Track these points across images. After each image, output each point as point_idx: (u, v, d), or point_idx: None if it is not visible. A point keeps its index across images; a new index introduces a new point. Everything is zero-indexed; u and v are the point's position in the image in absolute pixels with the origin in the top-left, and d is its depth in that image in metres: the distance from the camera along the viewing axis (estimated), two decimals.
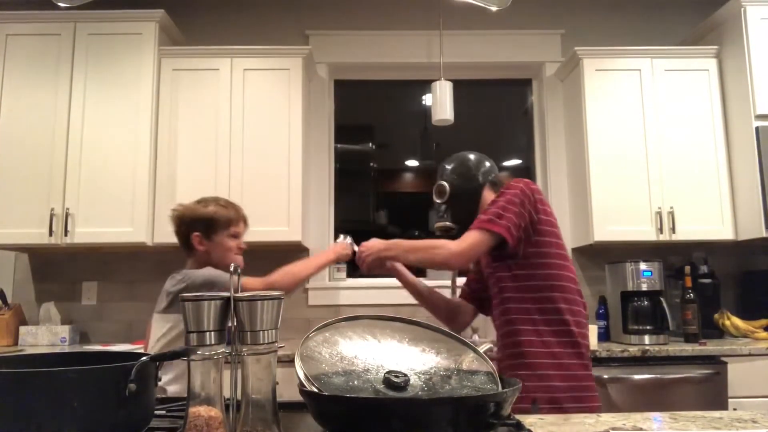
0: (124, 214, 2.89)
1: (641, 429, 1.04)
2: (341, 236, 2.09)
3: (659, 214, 2.97)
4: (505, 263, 1.68)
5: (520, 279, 1.66)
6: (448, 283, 3.24)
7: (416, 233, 3.65)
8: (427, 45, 3.47)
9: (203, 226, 1.93)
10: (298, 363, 0.95)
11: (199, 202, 1.99)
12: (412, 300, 3.28)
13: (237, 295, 0.87)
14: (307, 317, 3.26)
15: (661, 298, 2.75)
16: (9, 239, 2.87)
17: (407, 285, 1.96)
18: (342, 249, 2.01)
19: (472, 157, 1.87)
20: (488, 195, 1.81)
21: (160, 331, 1.84)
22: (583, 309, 1.69)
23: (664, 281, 2.89)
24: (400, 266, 1.91)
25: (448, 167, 1.86)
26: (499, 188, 1.81)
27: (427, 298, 1.99)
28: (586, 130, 3.05)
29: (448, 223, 1.82)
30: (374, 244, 1.77)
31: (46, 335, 2.98)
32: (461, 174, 1.83)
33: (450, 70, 3.42)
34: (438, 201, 1.85)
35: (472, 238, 1.60)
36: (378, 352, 1.05)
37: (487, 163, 1.86)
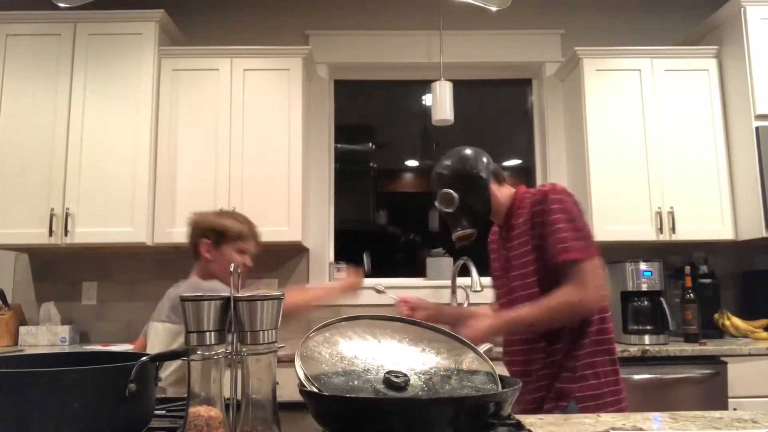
0: (124, 214, 2.89)
1: (641, 429, 1.04)
2: (365, 258, 2.11)
3: (659, 214, 2.97)
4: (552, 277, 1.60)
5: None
6: (448, 283, 3.24)
7: (411, 236, 3.65)
8: (427, 45, 3.47)
9: (214, 235, 1.94)
10: (298, 363, 0.95)
11: (216, 213, 2.02)
12: None
13: (237, 295, 0.87)
14: (307, 317, 3.26)
15: (661, 298, 2.75)
16: (9, 239, 2.87)
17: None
18: (349, 282, 2.03)
19: (467, 154, 1.75)
20: (495, 188, 1.74)
21: (171, 340, 1.82)
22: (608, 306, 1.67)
23: (664, 281, 2.89)
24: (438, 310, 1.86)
25: (448, 172, 1.74)
26: (501, 178, 1.77)
27: None
28: (586, 130, 3.05)
29: (467, 230, 1.72)
30: (480, 325, 1.56)
31: (46, 335, 2.99)
32: (464, 176, 1.72)
33: (450, 70, 3.42)
34: (448, 210, 1.73)
35: (589, 271, 1.52)
36: (378, 352, 1.05)
37: (484, 158, 1.76)
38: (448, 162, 1.76)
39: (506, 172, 3.73)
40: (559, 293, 1.53)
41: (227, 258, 1.94)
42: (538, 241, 1.61)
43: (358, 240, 3.56)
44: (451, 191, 1.72)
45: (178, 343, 1.79)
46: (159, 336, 1.85)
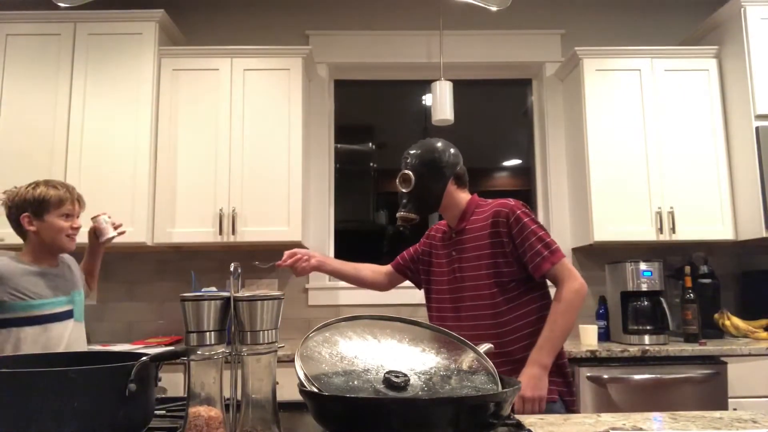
0: (124, 214, 2.88)
1: (641, 429, 1.04)
2: None
3: (659, 214, 2.97)
4: (513, 283, 1.72)
5: (525, 292, 1.73)
6: None
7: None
8: (427, 45, 3.47)
9: (32, 207, 1.93)
10: (298, 363, 0.95)
11: (29, 185, 1.98)
12: (412, 300, 3.28)
13: (237, 295, 0.87)
14: (307, 317, 3.26)
15: (661, 298, 2.75)
16: (9, 239, 2.86)
17: (333, 273, 2.01)
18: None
19: (439, 146, 1.83)
20: (453, 188, 1.82)
21: None
22: None
23: (664, 281, 2.89)
24: (322, 260, 1.96)
25: (415, 157, 1.82)
26: (464, 182, 1.86)
27: (353, 276, 2.05)
28: (586, 130, 3.05)
29: (411, 214, 1.81)
30: (533, 384, 1.59)
31: None
32: (428, 165, 1.80)
33: (450, 70, 3.42)
34: (403, 190, 1.82)
35: (568, 268, 1.68)
36: (378, 352, 1.05)
37: (454, 156, 1.84)
38: (419, 149, 1.85)
39: (506, 172, 3.73)
40: (559, 296, 1.66)
41: (52, 226, 1.95)
42: (499, 249, 1.71)
43: (358, 240, 3.56)
44: (411, 173, 1.81)
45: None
46: None
